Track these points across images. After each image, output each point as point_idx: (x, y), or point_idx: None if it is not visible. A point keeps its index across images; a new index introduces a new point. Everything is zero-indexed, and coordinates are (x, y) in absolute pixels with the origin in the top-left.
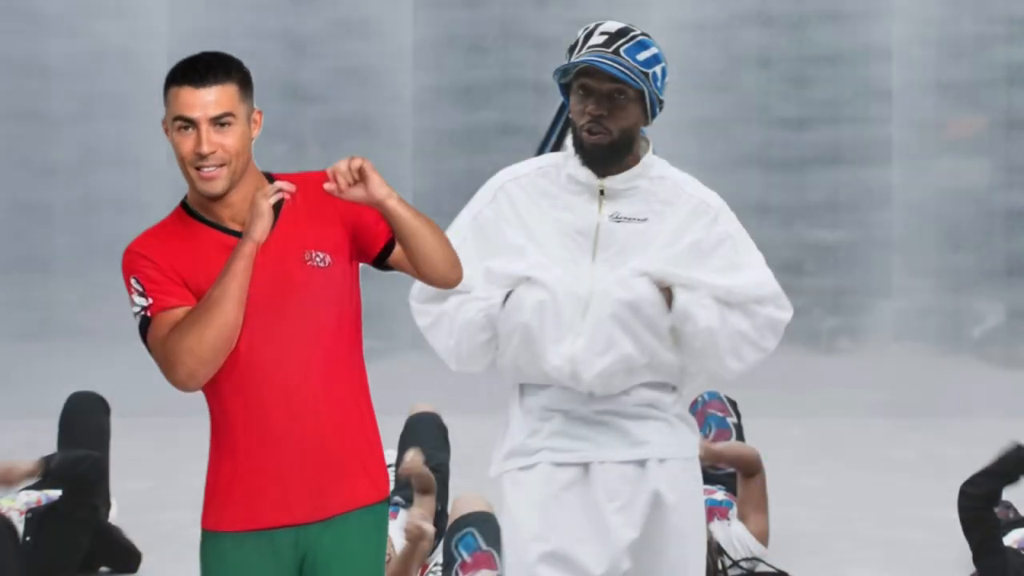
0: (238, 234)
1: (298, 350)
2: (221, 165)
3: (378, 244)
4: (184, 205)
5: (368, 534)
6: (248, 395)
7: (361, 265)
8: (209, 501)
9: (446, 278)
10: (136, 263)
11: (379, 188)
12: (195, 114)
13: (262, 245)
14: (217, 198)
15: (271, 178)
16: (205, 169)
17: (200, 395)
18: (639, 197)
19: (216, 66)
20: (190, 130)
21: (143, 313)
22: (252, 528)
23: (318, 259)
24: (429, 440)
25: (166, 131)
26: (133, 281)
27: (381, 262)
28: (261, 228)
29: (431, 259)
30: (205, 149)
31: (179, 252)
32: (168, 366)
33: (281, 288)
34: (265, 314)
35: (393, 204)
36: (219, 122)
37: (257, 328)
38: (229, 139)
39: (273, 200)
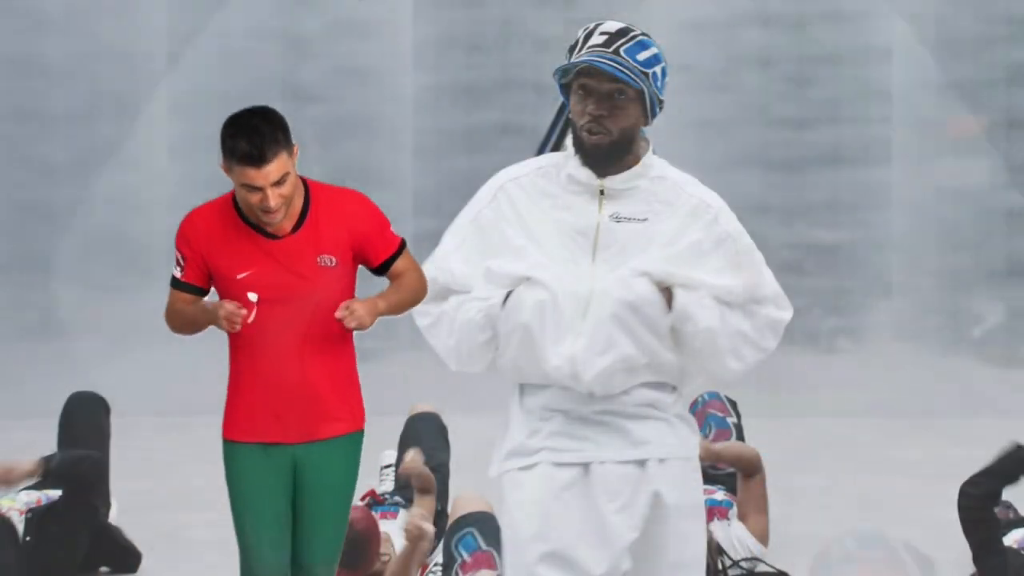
0: (274, 236)
1: (299, 326)
2: (282, 207)
3: (379, 259)
4: (235, 201)
5: (347, 453)
6: (253, 349)
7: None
8: (225, 417)
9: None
10: (179, 240)
11: (366, 320)
12: (259, 183)
13: (289, 241)
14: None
15: (307, 184)
16: (270, 217)
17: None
18: (639, 197)
19: (268, 139)
20: (256, 190)
21: (173, 275)
22: (250, 440)
23: (327, 261)
24: (429, 440)
25: (226, 171)
26: (176, 251)
27: (380, 273)
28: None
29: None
30: (272, 206)
31: (217, 241)
32: (166, 319)
33: (293, 281)
34: (277, 297)
35: (383, 312)
36: (279, 183)
37: (271, 306)
38: (286, 188)
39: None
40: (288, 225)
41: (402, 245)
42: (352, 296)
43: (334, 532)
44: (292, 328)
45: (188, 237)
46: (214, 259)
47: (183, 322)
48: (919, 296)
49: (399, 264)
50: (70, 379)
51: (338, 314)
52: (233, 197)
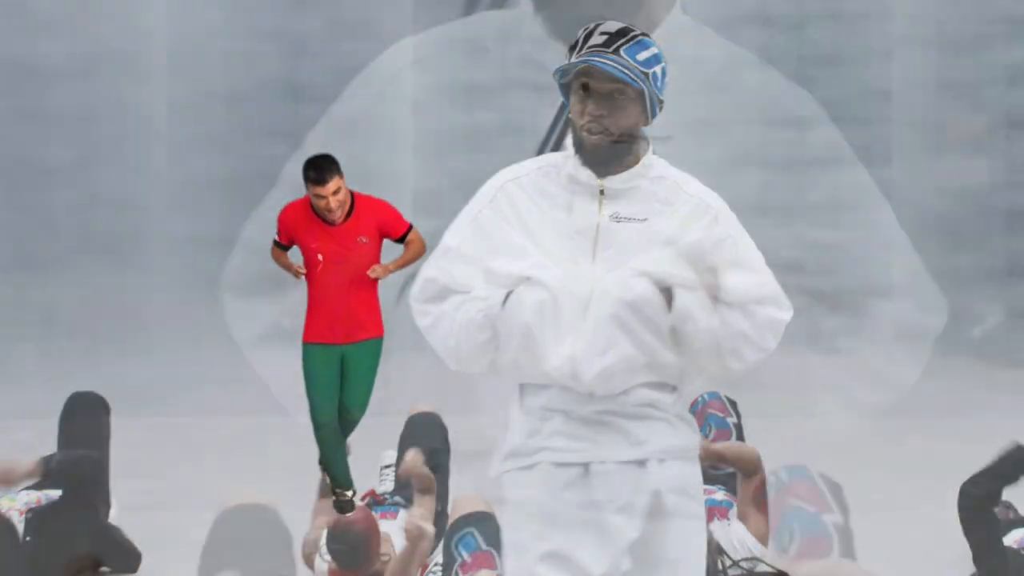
0: (332, 224)
1: (345, 278)
2: (338, 208)
3: (396, 236)
4: (311, 203)
5: (373, 351)
6: (319, 290)
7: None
8: (304, 330)
9: None
10: (280, 217)
11: (384, 276)
12: (323, 194)
13: (341, 228)
14: None
15: (353, 195)
16: (332, 214)
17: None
18: (639, 197)
19: (326, 170)
20: (321, 198)
21: (274, 238)
22: (317, 342)
23: (364, 239)
24: (429, 440)
25: (306, 187)
26: (277, 224)
27: (399, 243)
28: None
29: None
30: (332, 207)
31: (298, 223)
32: (271, 253)
33: (343, 251)
34: (334, 260)
35: (395, 269)
36: (335, 193)
37: (328, 266)
38: (340, 196)
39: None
40: (340, 217)
41: (410, 227)
42: (378, 259)
43: (366, 389)
44: (342, 277)
45: (284, 220)
46: (297, 234)
47: (276, 261)
48: (919, 296)
49: (410, 237)
50: (70, 379)
51: (372, 273)
52: (310, 200)
